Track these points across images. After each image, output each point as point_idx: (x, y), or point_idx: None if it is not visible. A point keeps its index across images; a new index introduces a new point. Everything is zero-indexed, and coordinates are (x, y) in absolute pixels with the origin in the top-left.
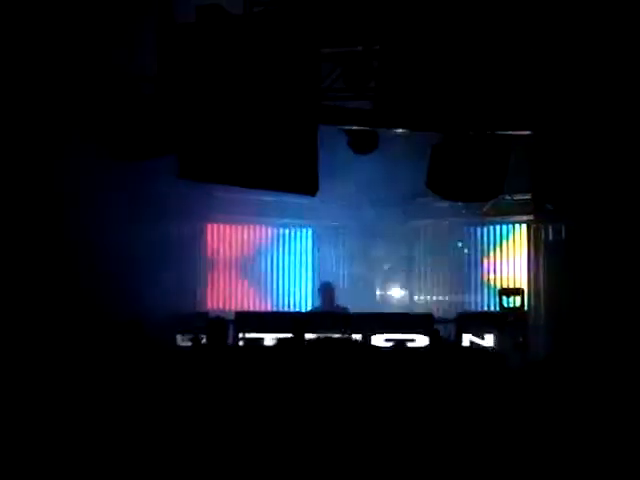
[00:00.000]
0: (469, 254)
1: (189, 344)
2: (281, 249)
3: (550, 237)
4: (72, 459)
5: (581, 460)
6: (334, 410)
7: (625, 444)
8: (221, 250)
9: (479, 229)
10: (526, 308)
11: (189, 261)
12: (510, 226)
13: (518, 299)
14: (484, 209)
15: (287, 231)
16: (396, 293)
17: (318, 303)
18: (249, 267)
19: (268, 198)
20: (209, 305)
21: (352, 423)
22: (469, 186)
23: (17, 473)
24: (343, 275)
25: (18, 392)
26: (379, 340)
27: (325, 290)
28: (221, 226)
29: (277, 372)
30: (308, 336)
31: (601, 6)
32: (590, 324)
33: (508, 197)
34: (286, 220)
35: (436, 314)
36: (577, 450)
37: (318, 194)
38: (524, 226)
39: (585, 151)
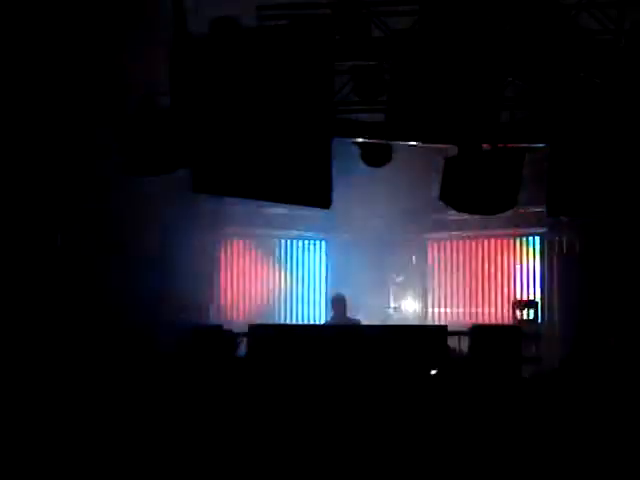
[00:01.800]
0: (483, 266)
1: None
2: (294, 261)
3: (564, 249)
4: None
5: (589, 466)
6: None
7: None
8: (235, 263)
9: (493, 242)
10: (540, 320)
11: (203, 274)
12: (524, 239)
13: (532, 311)
14: (498, 222)
15: (300, 243)
16: (409, 305)
17: (330, 316)
18: (263, 280)
19: (282, 211)
20: (223, 318)
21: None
22: (482, 198)
23: (17, 473)
24: (356, 287)
25: (28, 394)
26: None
27: (337, 302)
28: (234, 239)
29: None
30: None
31: (611, 19)
32: (604, 336)
33: (522, 209)
34: (299, 232)
35: (450, 326)
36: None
37: (332, 207)
38: (538, 238)
39: (600, 163)
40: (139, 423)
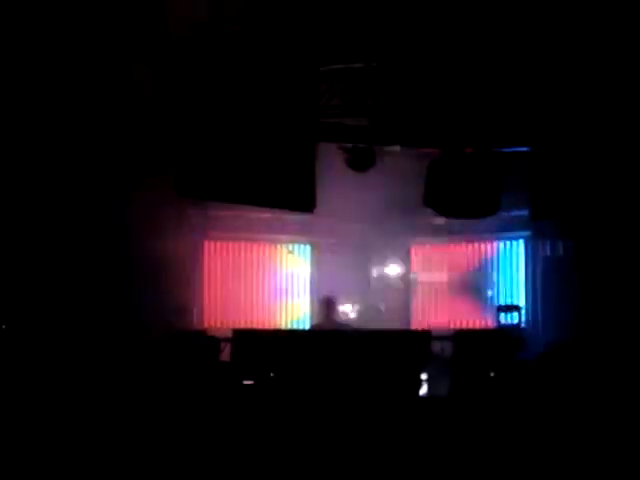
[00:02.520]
0: (467, 271)
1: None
2: (280, 266)
3: (548, 253)
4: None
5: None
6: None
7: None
8: (219, 267)
9: (476, 246)
10: (524, 324)
11: (186, 278)
12: (507, 242)
13: (516, 316)
14: (482, 225)
15: (285, 248)
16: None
17: (319, 318)
18: (248, 284)
19: (266, 215)
20: (207, 323)
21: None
22: (466, 202)
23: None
24: (340, 291)
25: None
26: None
27: (325, 305)
28: (218, 244)
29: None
30: None
31: (594, 23)
32: (588, 338)
33: (505, 213)
34: (285, 237)
35: (434, 331)
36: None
37: (316, 211)
38: (522, 242)
39: (583, 167)
40: (123, 429)
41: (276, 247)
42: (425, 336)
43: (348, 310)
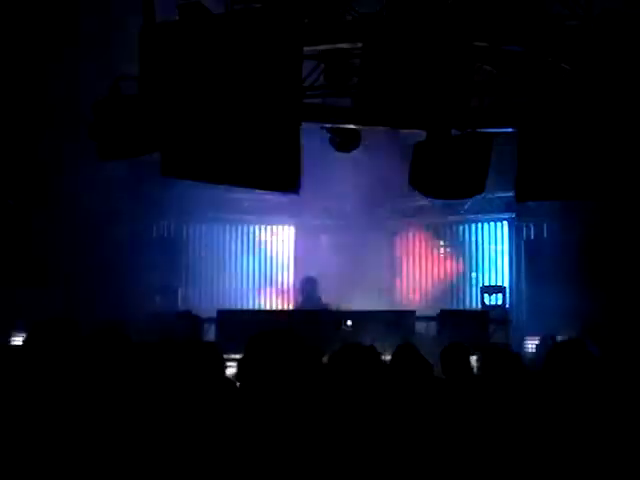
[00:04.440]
0: (451, 252)
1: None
2: (262, 247)
3: (532, 235)
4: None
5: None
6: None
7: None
8: (203, 248)
9: (461, 227)
10: (507, 305)
11: (172, 260)
12: (492, 224)
13: (500, 297)
14: (466, 207)
15: (269, 229)
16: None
17: (300, 298)
18: (231, 265)
19: (250, 196)
20: (192, 304)
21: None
22: (451, 183)
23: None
24: (325, 273)
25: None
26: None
27: (307, 284)
28: (204, 225)
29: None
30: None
31: (580, 5)
32: (572, 320)
33: (490, 195)
34: (268, 218)
35: (418, 311)
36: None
37: (300, 192)
38: (506, 223)
39: (568, 148)
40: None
41: (260, 228)
42: (410, 315)
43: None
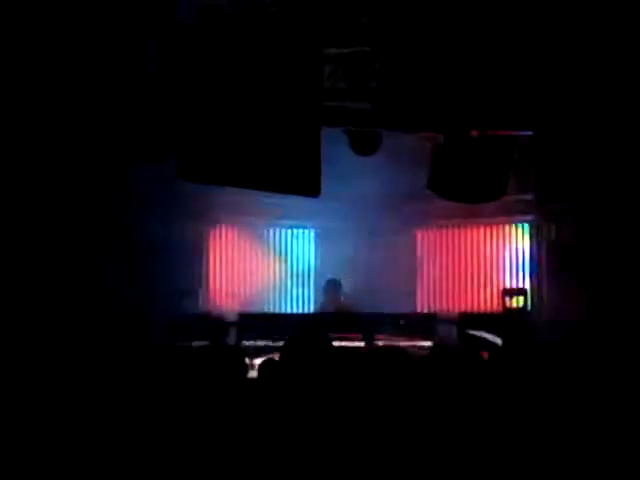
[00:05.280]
0: (472, 255)
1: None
2: (282, 250)
3: (553, 237)
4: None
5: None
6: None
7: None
8: (224, 251)
9: (482, 230)
10: (529, 308)
11: (192, 262)
12: (513, 226)
13: (521, 299)
14: (486, 209)
15: (289, 232)
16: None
17: (322, 300)
18: (252, 268)
19: (269, 199)
20: (211, 306)
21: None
22: (471, 187)
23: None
24: (345, 277)
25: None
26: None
27: (331, 287)
28: (224, 227)
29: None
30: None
31: (602, 5)
32: (593, 324)
33: (510, 197)
34: (287, 221)
35: (439, 314)
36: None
37: (320, 195)
38: (527, 226)
39: (589, 150)
40: (129, 417)
41: (280, 231)
42: (430, 318)
43: None
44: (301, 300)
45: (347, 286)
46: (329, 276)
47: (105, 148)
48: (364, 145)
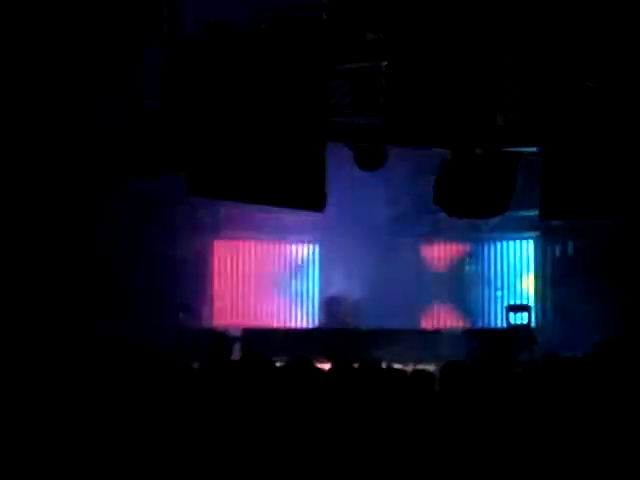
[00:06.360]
0: (477, 271)
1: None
2: (287, 265)
3: (557, 253)
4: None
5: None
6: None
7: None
8: (228, 266)
9: (486, 245)
10: (533, 324)
11: (196, 277)
12: (517, 242)
13: (525, 315)
14: (491, 225)
15: (293, 247)
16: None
17: (323, 319)
18: (256, 283)
19: (276, 214)
20: (215, 322)
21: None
22: (477, 202)
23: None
24: (350, 290)
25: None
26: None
27: (331, 305)
28: (227, 242)
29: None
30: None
31: (605, 21)
32: (598, 340)
33: (515, 213)
34: (292, 236)
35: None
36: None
37: (325, 210)
38: (531, 242)
39: (593, 166)
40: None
41: (285, 246)
42: (435, 335)
43: None
44: (305, 316)
45: (350, 301)
46: (331, 292)
47: (110, 164)
48: (370, 160)
